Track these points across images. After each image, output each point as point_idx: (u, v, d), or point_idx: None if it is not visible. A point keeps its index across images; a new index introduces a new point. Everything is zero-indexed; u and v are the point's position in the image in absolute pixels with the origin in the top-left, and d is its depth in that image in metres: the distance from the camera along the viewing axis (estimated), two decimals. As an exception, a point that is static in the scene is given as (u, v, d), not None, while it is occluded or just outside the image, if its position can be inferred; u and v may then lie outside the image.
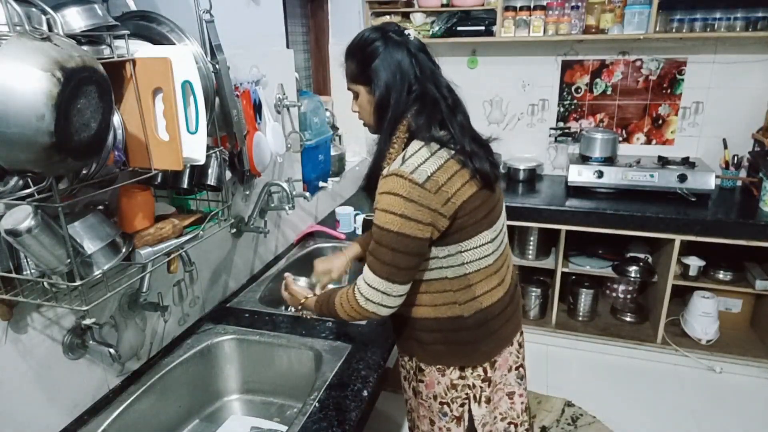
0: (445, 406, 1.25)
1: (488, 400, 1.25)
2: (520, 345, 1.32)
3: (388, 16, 2.84)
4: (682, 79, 2.80)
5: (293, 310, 1.38)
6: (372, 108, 1.15)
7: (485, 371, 1.22)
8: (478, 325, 1.17)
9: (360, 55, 1.14)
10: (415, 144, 1.08)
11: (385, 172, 1.08)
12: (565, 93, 3.00)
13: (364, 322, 1.53)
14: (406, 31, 1.15)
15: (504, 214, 1.24)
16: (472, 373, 1.21)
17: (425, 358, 1.24)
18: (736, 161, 2.72)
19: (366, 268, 1.11)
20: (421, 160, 1.05)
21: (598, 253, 2.90)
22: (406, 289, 1.11)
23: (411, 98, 1.11)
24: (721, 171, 2.76)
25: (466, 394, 1.23)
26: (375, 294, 1.09)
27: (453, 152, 1.08)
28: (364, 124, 1.21)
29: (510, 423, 1.32)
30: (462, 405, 1.23)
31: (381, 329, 1.50)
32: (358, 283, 1.13)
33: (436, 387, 1.24)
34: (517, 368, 1.31)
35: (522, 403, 1.33)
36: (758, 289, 2.56)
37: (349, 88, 1.19)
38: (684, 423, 2.28)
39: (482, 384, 1.23)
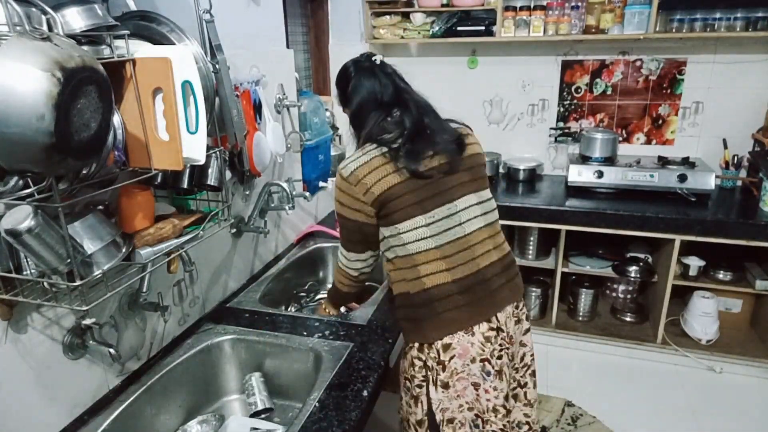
0: (407, 381, 1.37)
1: (445, 386, 1.29)
2: (488, 339, 1.29)
3: (388, 16, 2.84)
4: (682, 79, 2.80)
5: (330, 313, 1.67)
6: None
7: (438, 353, 1.28)
8: (422, 304, 1.29)
9: (339, 83, 1.43)
10: (356, 148, 1.35)
11: None
12: (565, 93, 3.00)
13: (364, 321, 1.53)
14: (374, 57, 1.40)
15: (465, 207, 1.31)
16: (428, 354, 1.30)
17: (404, 334, 1.40)
18: (736, 161, 2.72)
19: None
20: (351, 158, 1.30)
21: (598, 253, 2.90)
22: (359, 257, 1.42)
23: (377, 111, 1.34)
24: (721, 171, 2.76)
25: (423, 375, 1.32)
26: (343, 259, 1.47)
27: (385, 149, 1.28)
28: None
29: (477, 416, 1.31)
30: (420, 386, 1.33)
31: (381, 329, 1.50)
32: None
33: (404, 362, 1.38)
34: (482, 361, 1.28)
35: (488, 400, 1.30)
36: (758, 289, 2.56)
37: (344, 112, 1.45)
38: (684, 423, 2.28)
39: (437, 366, 1.29)
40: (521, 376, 1.43)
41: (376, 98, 1.34)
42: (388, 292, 1.49)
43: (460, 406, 1.31)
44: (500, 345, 1.31)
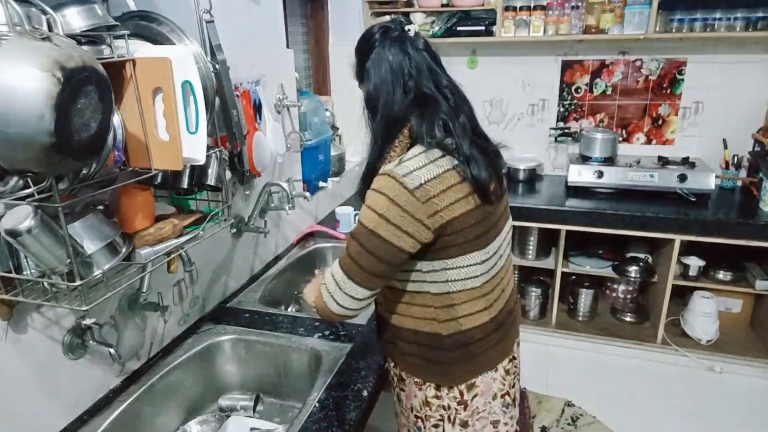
0: (419, 420, 1.22)
1: (464, 424, 1.20)
2: (507, 372, 1.22)
3: (387, 17, 2.84)
4: (682, 79, 2.80)
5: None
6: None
7: (461, 394, 1.17)
8: (456, 347, 1.12)
9: (359, 51, 1.13)
10: (416, 148, 1.04)
11: (381, 171, 1.04)
12: (565, 93, 3.00)
13: (363, 321, 1.53)
14: (407, 27, 1.09)
15: (505, 236, 1.16)
16: (447, 394, 1.17)
17: (405, 368, 1.22)
18: (736, 161, 2.72)
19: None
20: (417, 165, 1.00)
21: (598, 253, 2.90)
22: (362, 294, 1.03)
23: (408, 99, 1.06)
24: (721, 171, 2.76)
25: (440, 415, 1.19)
26: (331, 284, 1.05)
27: (456, 162, 1.02)
28: None
29: None
30: (436, 426, 1.20)
31: (381, 329, 1.50)
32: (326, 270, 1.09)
33: (413, 400, 1.22)
34: (503, 396, 1.22)
35: (507, 431, 1.27)
36: (758, 289, 2.55)
37: (359, 86, 1.17)
38: (684, 423, 2.28)
39: (457, 406, 1.18)
40: None
41: (404, 84, 1.05)
42: (377, 317, 1.25)
43: None
44: (514, 373, 1.26)
